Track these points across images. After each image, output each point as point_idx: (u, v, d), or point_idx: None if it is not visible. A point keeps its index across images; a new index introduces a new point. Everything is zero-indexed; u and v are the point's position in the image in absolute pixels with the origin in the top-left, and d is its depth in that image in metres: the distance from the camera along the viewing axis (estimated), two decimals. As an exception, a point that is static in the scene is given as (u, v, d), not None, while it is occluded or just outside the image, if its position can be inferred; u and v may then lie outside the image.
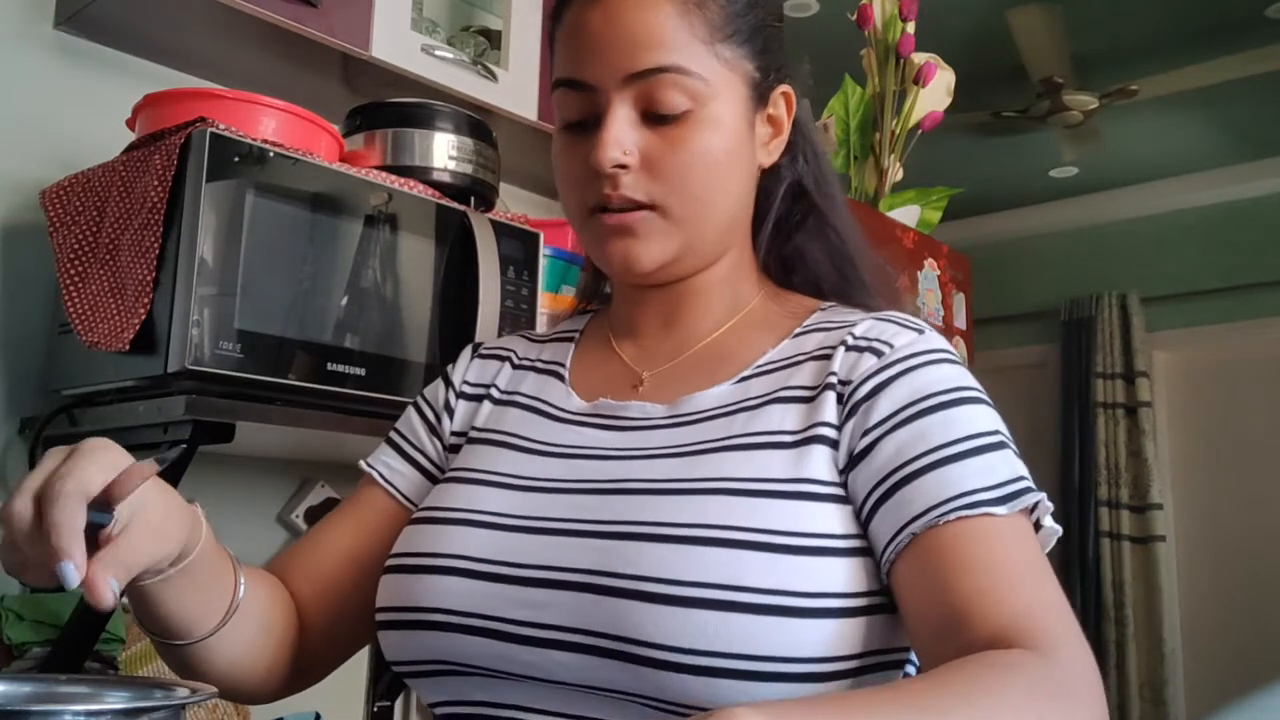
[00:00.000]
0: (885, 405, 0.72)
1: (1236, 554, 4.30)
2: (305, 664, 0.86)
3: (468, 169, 1.52)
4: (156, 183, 1.22)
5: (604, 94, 0.76)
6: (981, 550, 0.66)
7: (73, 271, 1.30)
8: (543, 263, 1.54)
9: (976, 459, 0.69)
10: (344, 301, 1.32)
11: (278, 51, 1.57)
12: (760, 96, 0.81)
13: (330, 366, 1.29)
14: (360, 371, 1.32)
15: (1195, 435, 4.50)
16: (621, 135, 0.75)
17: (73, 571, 0.60)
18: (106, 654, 1.33)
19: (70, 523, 0.60)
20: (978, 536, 0.66)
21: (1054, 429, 4.73)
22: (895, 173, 2.36)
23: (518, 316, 1.47)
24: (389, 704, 1.73)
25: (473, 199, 1.54)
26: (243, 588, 0.77)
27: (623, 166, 0.76)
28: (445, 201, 1.46)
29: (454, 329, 1.42)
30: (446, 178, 1.50)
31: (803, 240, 0.87)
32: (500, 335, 1.36)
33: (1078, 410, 4.63)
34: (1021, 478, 0.70)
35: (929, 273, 2.42)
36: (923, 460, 0.69)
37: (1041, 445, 4.78)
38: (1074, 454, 4.60)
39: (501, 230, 1.47)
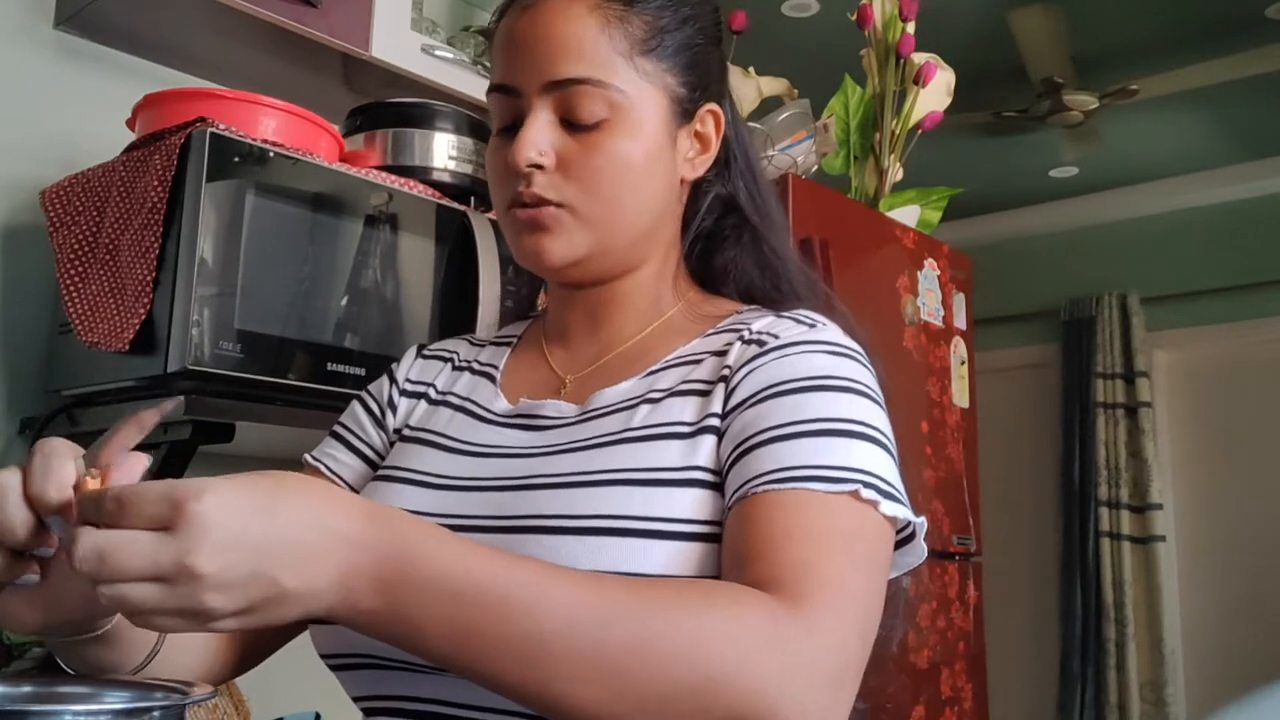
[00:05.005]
0: (747, 387, 0.75)
1: (1237, 554, 4.30)
2: (248, 653, 0.87)
3: (468, 169, 1.52)
4: (156, 183, 1.22)
5: (526, 99, 0.80)
6: (780, 515, 0.68)
7: (73, 272, 1.30)
8: (543, 263, 1.54)
9: (810, 440, 0.71)
10: (344, 301, 1.32)
11: (278, 51, 1.57)
12: (684, 112, 0.85)
13: (330, 366, 1.29)
14: (360, 371, 1.32)
15: (1195, 435, 4.50)
16: (538, 137, 0.79)
17: (63, 525, 0.61)
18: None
19: (59, 474, 0.62)
20: (780, 505, 0.68)
21: (1054, 429, 4.73)
22: (895, 173, 2.36)
23: (518, 316, 1.47)
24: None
25: (473, 199, 1.54)
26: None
27: (538, 166, 0.79)
28: (445, 201, 1.46)
29: (454, 329, 1.42)
30: (446, 178, 1.50)
31: (734, 253, 0.90)
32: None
33: (1078, 410, 4.62)
34: (854, 468, 0.70)
35: (929, 273, 2.42)
36: (759, 437, 0.72)
37: (1041, 445, 4.78)
38: (1074, 454, 4.59)
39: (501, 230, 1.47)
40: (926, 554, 0.76)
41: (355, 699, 0.78)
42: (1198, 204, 4.50)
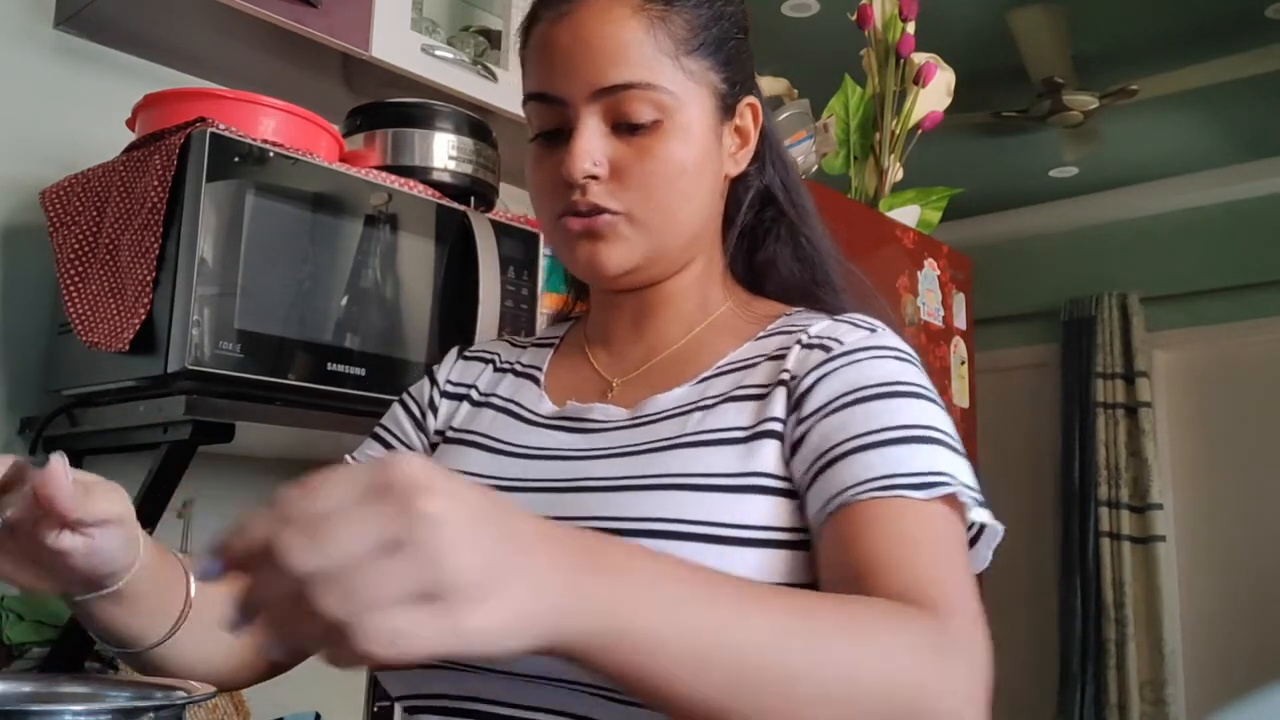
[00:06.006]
0: (822, 395, 0.74)
1: (1237, 554, 4.30)
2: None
3: (468, 169, 1.52)
4: (156, 183, 1.22)
5: (574, 107, 0.78)
6: (891, 524, 0.67)
7: (73, 271, 1.30)
8: (543, 262, 1.54)
9: (899, 447, 0.70)
10: (344, 301, 1.32)
11: (278, 51, 1.57)
12: (726, 108, 0.84)
13: (330, 366, 1.29)
14: (360, 371, 1.32)
15: (1195, 435, 4.50)
16: (591, 147, 0.78)
17: None
18: (107, 654, 1.33)
19: None
20: (889, 513, 0.67)
21: (1054, 429, 4.73)
22: (895, 173, 2.36)
23: (518, 316, 1.47)
24: (389, 704, 1.73)
25: (473, 199, 1.54)
26: (193, 595, 0.78)
27: (593, 177, 0.78)
28: (445, 201, 1.46)
29: (454, 329, 1.42)
30: (446, 178, 1.50)
31: (774, 248, 0.89)
32: (501, 335, 1.36)
33: (1078, 410, 4.62)
34: (943, 472, 0.70)
35: (929, 273, 2.42)
36: (847, 445, 0.71)
37: (1041, 445, 4.78)
38: (1074, 454, 4.60)
39: (501, 230, 1.47)
40: (989, 562, 0.75)
41: (399, 698, 0.78)
42: (1198, 204, 4.50)
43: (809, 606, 0.58)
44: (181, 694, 0.66)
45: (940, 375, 2.43)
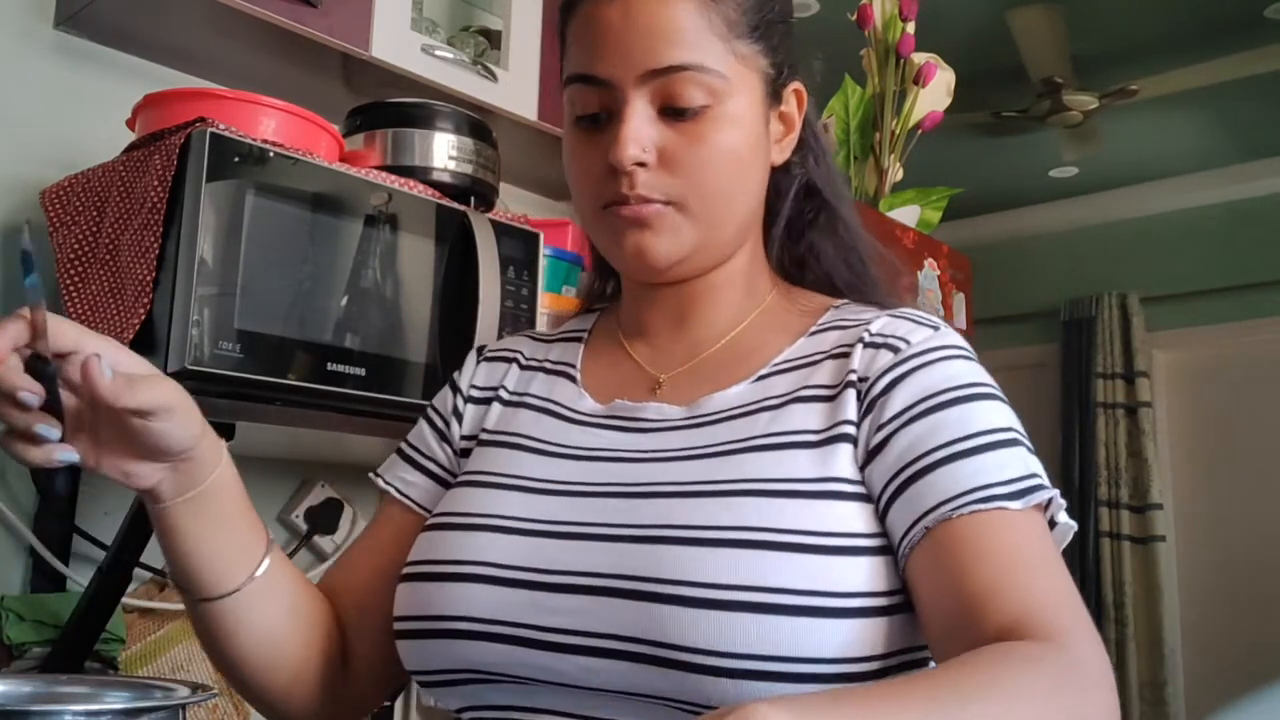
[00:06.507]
0: (899, 400, 0.72)
1: (1236, 554, 4.30)
2: (347, 687, 0.85)
3: (468, 169, 1.52)
4: (156, 183, 1.22)
5: (621, 90, 0.75)
6: (995, 543, 0.66)
7: (73, 272, 1.30)
8: (543, 263, 1.54)
9: (989, 454, 0.69)
10: (344, 301, 1.32)
11: (278, 51, 1.57)
12: (774, 94, 0.82)
13: (330, 366, 1.29)
14: (360, 371, 1.32)
15: (1195, 435, 4.50)
16: (640, 132, 0.75)
17: (30, 396, 0.63)
18: (106, 654, 1.33)
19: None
20: (992, 529, 0.66)
21: (1054, 429, 4.72)
22: (895, 173, 2.36)
23: (518, 316, 1.46)
24: (389, 704, 1.73)
25: (473, 199, 1.54)
26: (270, 556, 0.78)
27: (642, 164, 0.75)
28: (445, 201, 1.45)
29: (454, 329, 1.42)
30: (446, 178, 1.50)
31: (816, 238, 0.87)
32: (500, 336, 1.36)
33: (1078, 410, 4.63)
34: (1034, 474, 0.70)
35: (929, 273, 2.42)
36: (936, 454, 0.69)
37: (1041, 445, 4.69)
38: (1074, 454, 4.60)
39: (501, 230, 1.47)
40: None
41: (456, 710, 0.77)
42: (1198, 204, 4.50)
43: (955, 686, 0.57)
44: (182, 693, 0.66)
45: (940, 375, 2.43)
